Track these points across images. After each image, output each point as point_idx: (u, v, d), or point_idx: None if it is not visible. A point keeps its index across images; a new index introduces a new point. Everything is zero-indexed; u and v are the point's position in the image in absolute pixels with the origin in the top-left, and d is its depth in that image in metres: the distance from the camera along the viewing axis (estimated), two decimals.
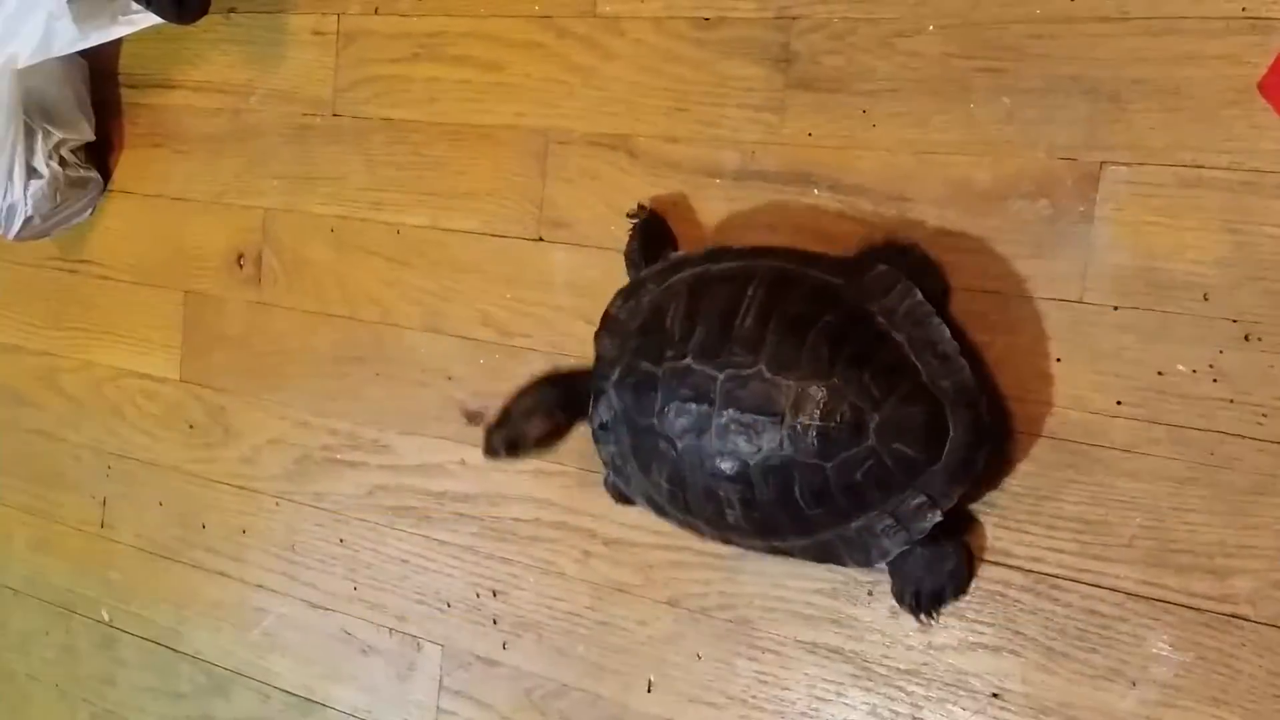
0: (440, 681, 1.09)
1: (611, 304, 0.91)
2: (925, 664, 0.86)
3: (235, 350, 1.21)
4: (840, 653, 0.89)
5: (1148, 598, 0.79)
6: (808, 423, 0.78)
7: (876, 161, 0.87)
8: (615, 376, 0.87)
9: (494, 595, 1.06)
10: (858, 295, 0.81)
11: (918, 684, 0.86)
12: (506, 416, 0.93)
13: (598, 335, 0.91)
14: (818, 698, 0.90)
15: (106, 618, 1.31)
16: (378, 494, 1.12)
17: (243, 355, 1.20)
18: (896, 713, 0.87)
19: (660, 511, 0.90)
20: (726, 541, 0.88)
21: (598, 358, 0.91)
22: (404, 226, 1.10)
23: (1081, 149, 0.80)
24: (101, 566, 1.31)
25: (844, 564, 0.85)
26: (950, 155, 0.84)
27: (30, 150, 1.21)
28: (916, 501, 0.79)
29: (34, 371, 1.36)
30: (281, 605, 1.18)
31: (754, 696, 0.93)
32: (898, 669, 0.87)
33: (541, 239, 1.02)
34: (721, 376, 0.81)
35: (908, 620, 0.86)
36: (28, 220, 1.24)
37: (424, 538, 1.10)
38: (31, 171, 1.21)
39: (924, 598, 0.84)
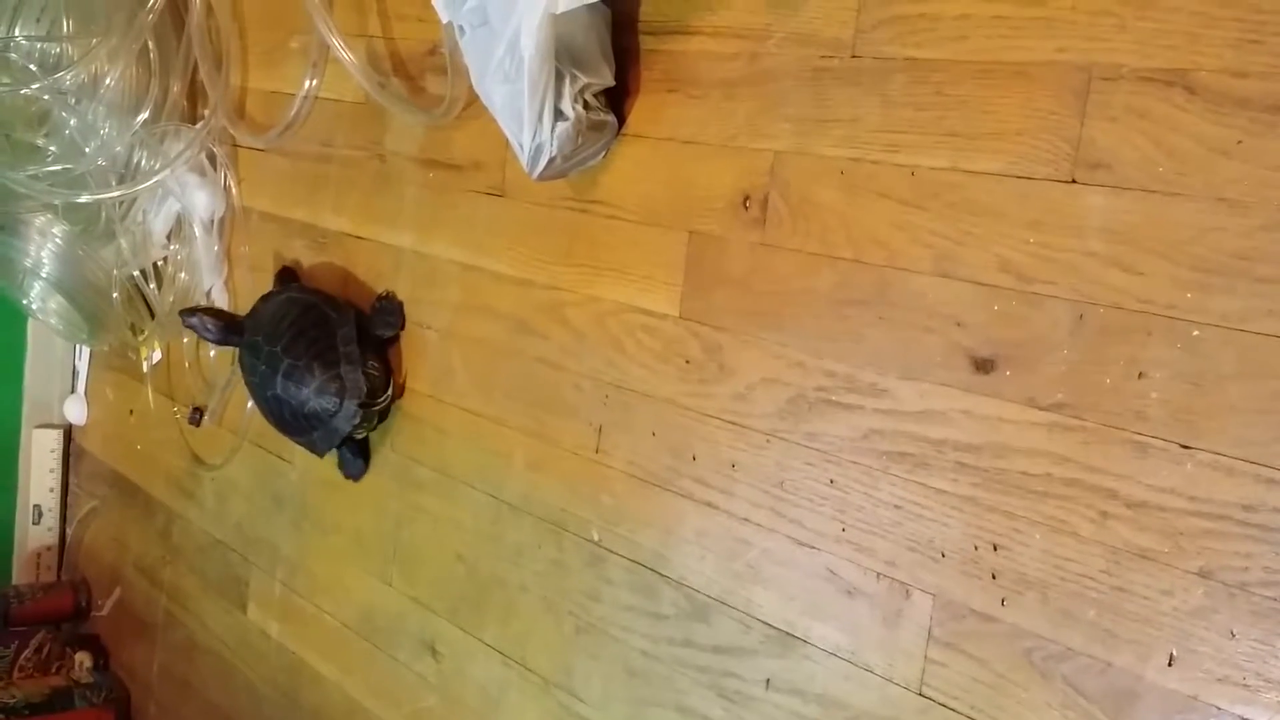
0: (930, 631, 1.08)
1: (256, 304, 1.79)
2: None
3: (735, 290, 1.24)
4: None
5: None
6: (288, 381, 1.63)
7: None
8: (245, 339, 1.76)
9: (994, 549, 1.03)
10: (336, 325, 1.64)
11: None
12: (195, 310, 1.81)
13: (248, 316, 1.79)
14: None
15: (596, 538, 1.39)
16: (873, 438, 1.12)
17: (742, 295, 1.23)
18: None
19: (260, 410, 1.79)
20: (289, 436, 1.75)
21: (247, 325, 1.78)
22: (919, 168, 1.08)
23: None
24: (594, 489, 1.40)
25: (316, 453, 1.71)
26: None
27: (559, 94, 1.28)
28: (327, 431, 1.64)
29: (541, 304, 1.47)
30: (767, 540, 1.21)
31: None
32: None
33: (1075, 181, 0.98)
34: (266, 349, 1.68)
35: None
36: (551, 160, 1.32)
37: (920, 485, 1.09)
38: (558, 114, 1.29)
39: (348, 471, 1.76)
